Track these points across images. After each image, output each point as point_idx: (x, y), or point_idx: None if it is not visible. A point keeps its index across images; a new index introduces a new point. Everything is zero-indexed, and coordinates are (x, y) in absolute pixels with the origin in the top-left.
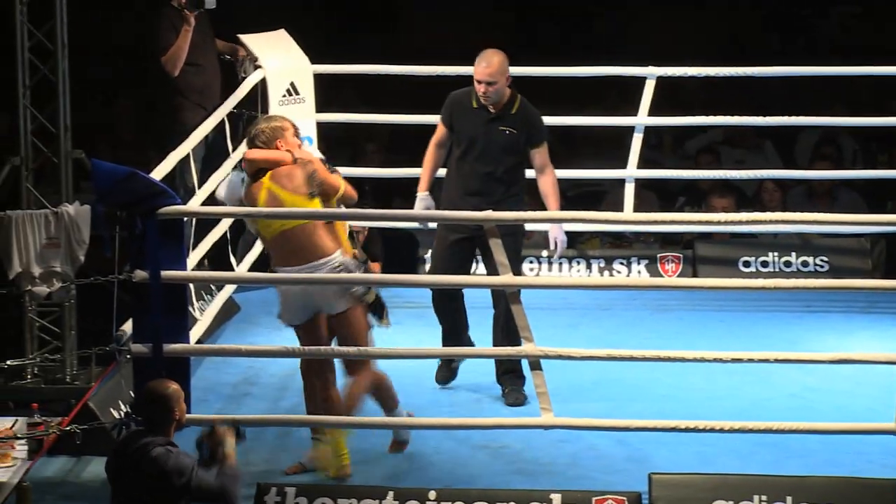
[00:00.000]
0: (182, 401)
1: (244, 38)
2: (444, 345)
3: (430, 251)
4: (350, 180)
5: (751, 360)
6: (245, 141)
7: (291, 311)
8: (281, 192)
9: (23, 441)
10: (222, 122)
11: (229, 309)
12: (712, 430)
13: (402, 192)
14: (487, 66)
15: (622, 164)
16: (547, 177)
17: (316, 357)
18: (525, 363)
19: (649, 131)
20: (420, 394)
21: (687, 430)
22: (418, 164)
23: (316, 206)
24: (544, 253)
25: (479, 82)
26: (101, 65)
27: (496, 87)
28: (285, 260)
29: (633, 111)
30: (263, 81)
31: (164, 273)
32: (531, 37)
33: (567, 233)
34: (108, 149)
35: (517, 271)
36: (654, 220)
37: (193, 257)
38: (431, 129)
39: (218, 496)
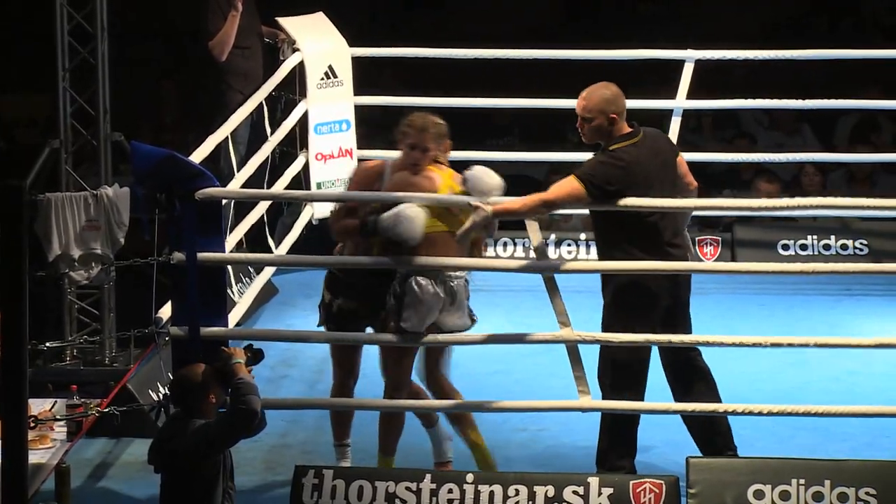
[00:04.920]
0: (215, 381)
1: (282, 21)
2: None
3: None
4: None
5: (790, 345)
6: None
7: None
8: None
9: (62, 422)
10: (261, 105)
11: (268, 291)
12: (750, 414)
13: None
14: None
15: None
16: None
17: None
18: None
19: (688, 114)
20: (460, 378)
21: (725, 413)
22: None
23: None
24: (582, 236)
25: None
26: (145, 47)
27: None
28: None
29: (672, 94)
30: (301, 65)
31: (201, 255)
32: (577, 18)
33: None
34: (151, 132)
35: None
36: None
37: (231, 240)
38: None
39: (233, 420)
